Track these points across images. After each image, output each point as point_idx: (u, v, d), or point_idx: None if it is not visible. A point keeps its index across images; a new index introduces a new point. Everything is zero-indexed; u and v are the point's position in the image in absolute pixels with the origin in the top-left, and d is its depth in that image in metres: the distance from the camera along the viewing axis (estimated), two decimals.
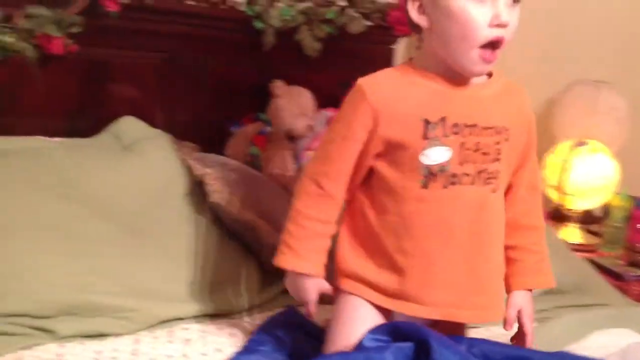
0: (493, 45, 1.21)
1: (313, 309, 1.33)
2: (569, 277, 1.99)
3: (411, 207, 1.26)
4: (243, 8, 2.11)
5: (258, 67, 2.18)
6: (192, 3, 2.04)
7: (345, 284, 1.32)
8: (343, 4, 2.26)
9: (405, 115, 1.24)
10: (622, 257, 2.44)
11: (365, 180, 1.31)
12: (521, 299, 1.39)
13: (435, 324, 1.31)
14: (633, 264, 2.37)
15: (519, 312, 1.39)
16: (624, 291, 2.12)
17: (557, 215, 2.61)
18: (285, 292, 1.69)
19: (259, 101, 2.19)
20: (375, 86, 1.26)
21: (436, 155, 1.24)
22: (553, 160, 2.56)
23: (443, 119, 1.24)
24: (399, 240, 1.27)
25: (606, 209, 2.65)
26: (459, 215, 1.27)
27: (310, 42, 2.18)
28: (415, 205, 1.25)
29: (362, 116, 1.25)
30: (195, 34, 2.04)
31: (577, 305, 1.91)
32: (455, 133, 1.25)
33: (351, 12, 2.25)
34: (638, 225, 2.49)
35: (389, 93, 1.25)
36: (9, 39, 1.71)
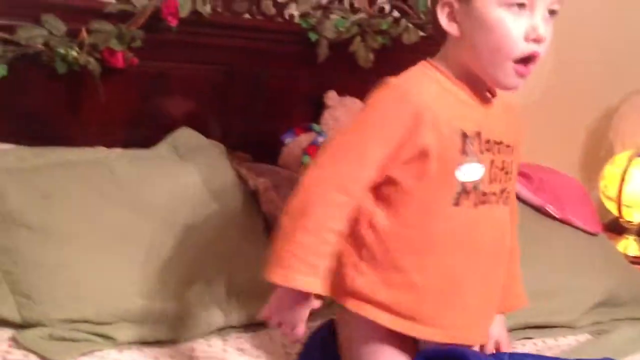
0: (527, 60, 1.15)
1: (303, 330, 1.19)
2: (626, 289, 1.97)
3: (439, 224, 1.17)
4: (298, 20, 2.13)
5: (312, 78, 2.20)
6: (249, 17, 2.07)
7: (350, 304, 1.20)
8: (397, 14, 2.28)
9: (444, 124, 1.15)
10: None
11: (376, 188, 1.19)
12: (498, 328, 1.36)
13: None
14: None
15: (497, 343, 1.36)
16: None
17: (615, 227, 2.56)
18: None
19: (312, 112, 2.22)
20: (417, 87, 1.15)
21: (471, 172, 1.17)
22: (611, 171, 2.52)
23: (478, 134, 1.18)
24: (419, 257, 1.17)
25: None
26: (486, 236, 1.21)
27: (363, 53, 2.19)
28: (444, 223, 1.17)
29: (403, 119, 1.13)
30: (251, 47, 2.07)
31: (634, 317, 1.89)
32: (488, 150, 1.19)
33: (405, 22, 2.25)
34: None
35: (429, 97, 1.15)
36: (74, 53, 1.77)
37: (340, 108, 2.19)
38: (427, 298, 1.18)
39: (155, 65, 1.95)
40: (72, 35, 1.78)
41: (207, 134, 2.01)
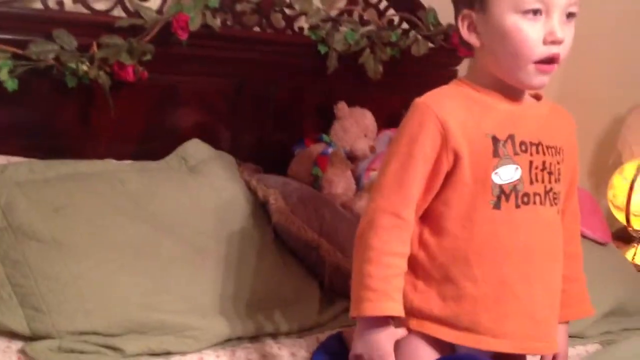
0: (548, 60, 1.18)
1: None
2: (636, 298, 1.96)
3: (483, 230, 1.20)
4: (307, 33, 2.15)
5: (321, 90, 2.22)
6: (258, 30, 2.09)
7: (412, 323, 1.23)
8: (406, 26, 2.29)
9: (473, 132, 1.20)
10: None
11: (419, 208, 1.23)
12: (562, 338, 1.36)
13: (498, 354, 1.26)
14: None
15: (555, 354, 1.35)
16: None
17: (623, 236, 2.55)
18: (345, 311, 1.73)
19: (322, 123, 2.23)
20: (440, 103, 1.21)
21: (507, 174, 1.20)
22: (619, 180, 2.51)
23: (511, 137, 1.22)
24: (469, 267, 1.20)
25: None
26: (535, 236, 1.23)
27: (373, 65, 2.20)
28: (488, 227, 1.20)
29: (431, 134, 1.19)
30: (261, 60, 2.08)
31: None
32: (524, 151, 1.22)
33: (414, 34, 2.26)
34: None
35: (454, 110, 1.20)
36: (84, 67, 1.78)
37: (349, 119, 2.20)
38: (482, 308, 1.21)
39: (165, 78, 1.97)
40: (83, 49, 1.80)
41: (218, 146, 2.02)
